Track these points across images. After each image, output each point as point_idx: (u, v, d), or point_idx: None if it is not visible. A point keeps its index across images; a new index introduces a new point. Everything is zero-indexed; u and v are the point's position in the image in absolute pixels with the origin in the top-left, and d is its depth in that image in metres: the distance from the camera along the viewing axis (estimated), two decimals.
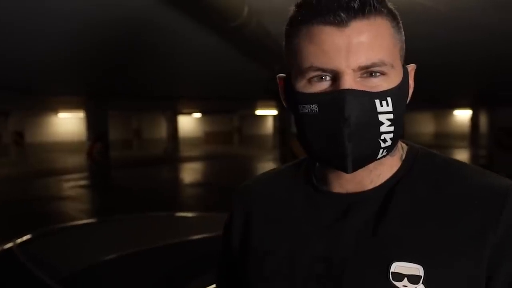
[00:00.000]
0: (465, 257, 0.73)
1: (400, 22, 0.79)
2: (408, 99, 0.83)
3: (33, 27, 4.83)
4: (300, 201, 0.89)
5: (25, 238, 2.41)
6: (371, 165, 0.79)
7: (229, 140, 33.57)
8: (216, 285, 1.10)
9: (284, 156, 13.85)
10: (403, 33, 0.80)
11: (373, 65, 0.72)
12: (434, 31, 4.97)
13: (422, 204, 0.79)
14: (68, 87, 11.90)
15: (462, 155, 20.13)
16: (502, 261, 0.72)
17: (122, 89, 12.50)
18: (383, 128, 0.74)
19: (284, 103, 0.87)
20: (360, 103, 0.72)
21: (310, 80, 0.75)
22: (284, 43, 0.81)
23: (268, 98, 15.35)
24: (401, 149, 0.87)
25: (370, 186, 0.83)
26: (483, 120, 22.68)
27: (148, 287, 1.78)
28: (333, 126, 0.73)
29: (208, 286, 1.68)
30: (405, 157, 0.86)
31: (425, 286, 0.72)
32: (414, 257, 0.74)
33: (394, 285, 0.74)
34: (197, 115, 32.08)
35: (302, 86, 0.76)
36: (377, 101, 0.73)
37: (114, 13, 4.13)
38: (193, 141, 31.40)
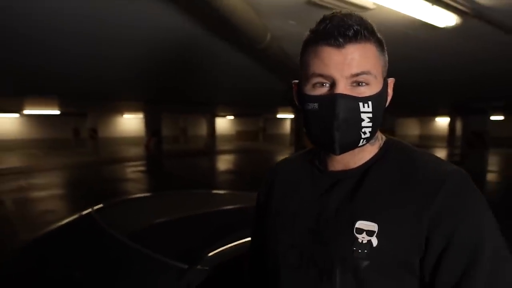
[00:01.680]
0: (409, 222, 0.80)
1: (385, 48, 0.88)
2: (387, 103, 0.90)
3: (108, 52, 4.96)
4: (305, 177, 0.99)
5: (100, 206, 2.49)
6: (355, 151, 0.89)
7: (255, 137, 33.40)
8: (251, 236, 1.19)
9: (298, 150, 13.75)
10: (386, 55, 0.88)
11: (362, 73, 0.81)
12: (419, 55, 4.93)
13: (387, 181, 0.86)
14: (132, 95, 12.04)
15: (441, 153, 19.71)
16: (436, 228, 0.78)
17: (173, 96, 12.59)
18: (363, 124, 0.83)
19: (296, 102, 0.95)
20: (347, 104, 0.82)
21: (314, 85, 0.85)
22: (299, 58, 0.90)
23: (286, 105, 15.30)
24: (381, 139, 0.94)
25: (353, 166, 0.91)
26: (458, 125, 22.22)
27: (189, 243, 1.84)
28: (327, 120, 0.83)
29: (238, 240, 1.76)
30: (382, 146, 0.93)
31: (377, 238, 0.80)
32: (372, 218, 0.82)
33: (356, 237, 0.82)
34: (231, 117, 32.03)
35: (308, 89, 0.86)
36: (360, 104, 0.82)
37: (169, 39, 4.20)
38: (227, 138, 31.35)
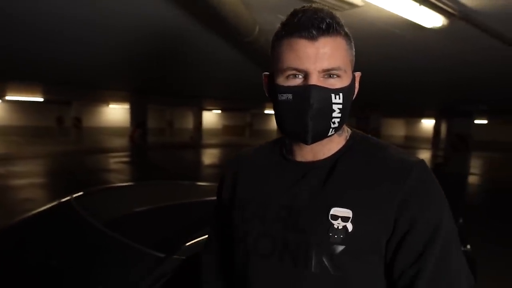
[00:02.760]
0: (380, 208, 0.85)
1: (352, 42, 0.90)
2: (354, 96, 0.93)
3: (95, 40, 4.89)
4: (273, 166, 1.01)
5: (79, 193, 2.47)
6: (323, 141, 0.91)
7: (242, 132, 33.41)
8: (210, 229, 1.22)
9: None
10: (353, 49, 0.91)
11: (332, 69, 0.84)
12: (405, 55, 4.98)
13: (357, 170, 0.90)
14: (118, 84, 11.93)
15: (425, 155, 19.99)
16: (403, 212, 0.83)
17: (160, 88, 12.51)
18: (334, 114, 0.86)
19: (266, 93, 0.97)
20: (321, 95, 0.85)
21: (287, 77, 0.86)
22: (270, 50, 0.92)
23: None
24: (347, 132, 0.98)
25: (322, 157, 0.94)
26: (443, 127, 22.53)
27: (168, 233, 1.85)
28: (301, 109, 0.85)
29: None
30: (349, 138, 0.97)
31: (352, 224, 0.85)
32: (346, 205, 0.86)
33: (332, 223, 0.86)
34: (217, 111, 31.98)
35: (282, 81, 0.87)
36: (332, 95, 0.85)
37: (156, 29, 4.17)
38: (213, 132, 31.33)
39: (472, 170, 14.05)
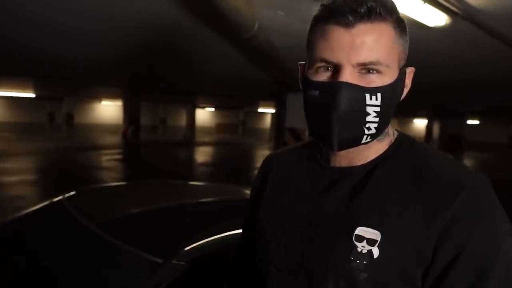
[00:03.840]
0: (417, 230, 0.70)
1: (406, 31, 0.75)
2: (402, 96, 0.79)
3: (87, 32, 4.80)
4: (303, 171, 0.89)
5: (71, 193, 2.39)
6: (361, 147, 0.77)
7: (235, 131, 33.41)
8: (242, 230, 1.09)
9: (278, 146, 13.86)
10: (407, 39, 0.76)
11: (370, 63, 0.70)
12: None
13: (394, 182, 0.75)
14: (111, 79, 11.82)
15: None
16: (446, 239, 0.68)
17: (153, 84, 12.42)
18: (369, 118, 0.72)
19: (300, 86, 0.83)
20: (351, 95, 0.70)
21: (317, 70, 0.74)
22: (307, 37, 0.79)
23: (268, 99, 15.29)
24: (392, 135, 0.83)
25: (358, 163, 0.80)
26: (435, 127, 22.68)
27: (164, 236, 1.77)
28: (327, 110, 0.71)
29: (217, 234, 1.69)
30: (392, 143, 0.82)
31: (379, 249, 0.70)
32: (375, 224, 0.72)
33: (355, 245, 0.72)
34: (211, 109, 31.91)
35: (311, 73, 0.76)
36: (367, 95, 0.70)
37: (151, 21, 4.09)
38: (206, 130, 31.26)
39: None
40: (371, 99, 0.71)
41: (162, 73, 9.02)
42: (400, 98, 0.78)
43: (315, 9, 0.77)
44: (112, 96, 20.80)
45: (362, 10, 0.68)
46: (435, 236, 0.69)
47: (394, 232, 0.71)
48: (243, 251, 1.05)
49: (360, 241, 0.72)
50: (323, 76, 0.73)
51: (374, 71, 0.71)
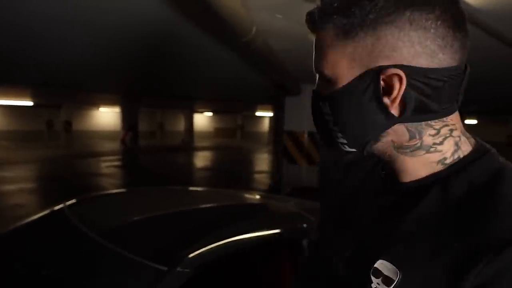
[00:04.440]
0: (443, 282, 0.56)
1: (359, 28, 0.60)
2: (388, 102, 0.61)
3: (84, 40, 4.79)
4: (365, 176, 0.81)
5: (72, 201, 2.38)
6: (399, 161, 0.67)
7: (233, 135, 33.41)
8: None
9: (277, 149, 13.85)
10: (365, 38, 0.60)
11: (318, 73, 0.68)
12: None
13: (437, 215, 0.61)
14: (108, 87, 11.80)
15: None
16: None
17: (151, 90, 12.41)
18: (330, 126, 0.67)
19: None
20: (313, 101, 0.71)
21: None
22: None
23: (266, 102, 15.28)
24: (465, 145, 0.66)
25: (406, 180, 0.68)
26: None
27: (166, 243, 1.76)
28: None
29: (220, 240, 1.67)
30: (459, 160, 0.65)
31: None
32: (398, 261, 0.61)
33: (370, 279, 0.63)
34: (209, 113, 31.90)
35: None
36: (320, 103, 0.68)
37: (147, 28, 4.08)
38: (204, 135, 31.23)
39: None
40: (324, 106, 0.67)
41: (160, 78, 9.01)
42: (369, 107, 0.62)
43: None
44: (110, 103, 20.77)
45: (309, 20, 0.67)
46: None
47: (416, 277, 0.59)
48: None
49: (377, 277, 0.62)
50: None
51: (326, 80, 0.67)
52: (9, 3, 3.35)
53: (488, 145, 0.68)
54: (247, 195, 3.58)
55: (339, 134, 0.66)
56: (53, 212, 2.23)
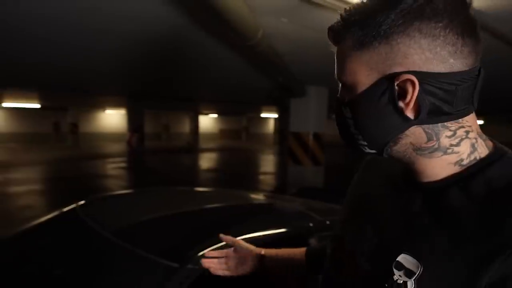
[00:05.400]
0: (461, 281, 0.60)
1: (373, 39, 0.66)
2: (402, 105, 0.66)
3: (89, 44, 4.84)
4: (386, 179, 0.85)
5: (83, 201, 2.42)
6: (418, 163, 0.71)
7: (238, 136, 33.42)
8: None
9: (282, 151, 13.88)
10: (379, 47, 0.66)
11: (340, 81, 0.74)
12: None
13: (458, 214, 0.65)
14: (114, 90, 11.88)
15: None
16: None
17: (156, 92, 12.46)
18: (352, 130, 0.73)
19: None
20: (335, 107, 0.76)
21: None
22: None
23: (270, 104, 15.30)
24: (483, 147, 0.70)
25: (425, 180, 0.72)
26: None
27: (176, 242, 1.80)
28: None
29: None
30: (476, 162, 0.69)
31: (415, 283, 0.64)
32: (419, 255, 0.65)
33: (393, 272, 0.67)
34: (214, 115, 31.95)
35: None
36: (342, 107, 0.73)
37: (154, 31, 4.13)
38: (210, 136, 31.27)
39: None
40: (345, 111, 0.73)
41: (165, 81, 9.07)
42: (386, 110, 0.67)
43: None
44: (115, 105, 20.87)
45: (332, 35, 0.73)
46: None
47: (437, 270, 0.63)
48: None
49: (399, 269, 0.67)
50: None
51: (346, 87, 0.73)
52: (19, 9, 3.41)
53: (506, 148, 0.71)
54: (254, 195, 3.62)
55: (360, 137, 0.71)
56: (65, 212, 2.27)
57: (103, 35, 4.36)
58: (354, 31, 0.68)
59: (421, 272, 0.64)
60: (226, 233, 1.77)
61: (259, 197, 3.43)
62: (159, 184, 8.88)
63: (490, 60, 4.94)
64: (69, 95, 13.88)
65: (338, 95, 0.75)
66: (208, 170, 13.64)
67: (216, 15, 2.73)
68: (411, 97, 0.64)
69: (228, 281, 1.68)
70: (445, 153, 0.69)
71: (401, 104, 0.66)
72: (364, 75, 0.68)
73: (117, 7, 3.33)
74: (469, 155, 0.68)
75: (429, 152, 0.69)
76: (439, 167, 0.70)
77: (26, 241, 2.13)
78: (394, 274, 0.66)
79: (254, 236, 1.79)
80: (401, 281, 0.65)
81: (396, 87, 0.65)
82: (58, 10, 3.44)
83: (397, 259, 0.67)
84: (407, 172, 0.75)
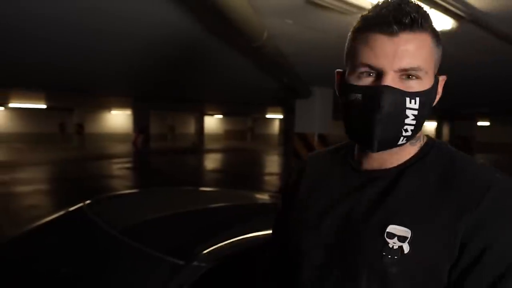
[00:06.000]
0: (445, 229, 0.74)
1: (440, 41, 0.81)
2: (435, 102, 0.84)
3: (96, 46, 4.89)
4: (336, 173, 0.94)
5: (90, 200, 2.45)
6: (394, 150, 0.82)
7: (244, 137, 33.41)
8: (272, 228, 1.14)
9: (287, 151, 13.89)
10: (441, 49, 0.81)
11: (412, 69, 0.76)
12: None
13: (424, 184, 0.80)
14: (120, 90, 11.93)
15: None
16: (473, 237, 0.72)
17: (162, 93, 12.51)
18: (407, 121, 0.77)
19: (337, 93, 0.88)
20: (393, 98, 0.75)
21: (359, 75, 0.79)
22: (346, 45, 0.85)
23: (276, 105, 15.32)
24: (422, 140, 0.87)
25: (389, 166, 0.85)
26: (445, 130, 22.56)
27: (182, 240, 1.83)
28: (369, 112, 0.77)
29: (234, 237, 1.74)
30: (423, 147, 0.86)
31: (409, 245, 0.75)
32: (405, 223, 0.77)
33: (387, 241, 0.77)
34: (219, 116, 31.99)
35: (353, 79, 0.81)
36: (407, 99, 0.76)
37: (161, 34, 4.16)
38: (215, 137, 31.30)
39: None
40: (410, 102, 0.76)
41: (171, 82, 9.11)
42: (433, 104, 0.83)
43: (356, 21, 0.83)
44: (121, 106, 20.97)
45: (406, 21, 0.74)
46: (462, 233, 0.73)
47: (423, 230, 0.76)
48: (274, 250, 1.09)
49: (392, 238, 0.77)
50: (366, 81, 0.79)
51: (414, 77, 0.77)
52: (27, 10, 3.46)
53: (433, 138, 0.90)
54: (258, 195, 3.64)
55: (410, 128, 0.78)
56: (72, 211, 2.30)
57: (109, 37, 4.40)
58: (432, 25, 0.78)
59: (412, 235, 0.75)
60: (231, 232, 1.81)
61: (263, 197, 3.45)
62: (165, 185, 8.92)
63: (494, 61, 4.95)
64: (75, 95, 13.96)
65: (394, 86, 0.76)
66: (213, 171, 13.66)
67: (221, 16, 2.75)
68: (439, 96, 0.84)
69: (232, 279, 1.72)
70: (417, 140, 0.86)
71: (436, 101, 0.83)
72: (432, 69, 0.80)
73: (124, 9, 3.37)
74: (423, 141, 0.88)
75: (414, 141, 0.85)
76: (411, 152, 0.86)
77: (33, 240, 2.16)
78: (388, 243, 0.77)
79: (258, 235, 1.82)
80: (397, 246, 0.76)
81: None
82: (65, 11, 3.48)
83: (387, 230, 0.78)
84: (359, 163, 0.89)
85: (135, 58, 5.74)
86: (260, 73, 6.18)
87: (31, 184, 9.48)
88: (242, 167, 14.77)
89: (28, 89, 11.61)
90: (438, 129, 25.47)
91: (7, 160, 14.84)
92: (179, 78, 8.12)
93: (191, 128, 28.54)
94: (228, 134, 33.42)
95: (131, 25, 3.87)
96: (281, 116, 23.27)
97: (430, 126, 30.10)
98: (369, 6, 2.69)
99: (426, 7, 2.42)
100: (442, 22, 2.92)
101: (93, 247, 1.89)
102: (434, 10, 2.71)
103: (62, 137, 24.51)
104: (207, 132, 28.49)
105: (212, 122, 32.05)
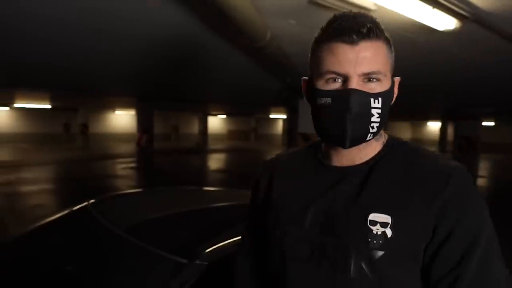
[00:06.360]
0: (420, 212, 0.84)
1: (392, 47, 0.91)
2: (392, 101, 0.93)
3: (101, 47, 4.91)
4: (309, 171, 1.01)
5: (94, 200, 2.46)
6: (361, 146, 0.91)
7: (247, 137, 33.44)
8: (243, 230, 1.19)
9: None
10: (393, 54, 0.91)
11: (372, 73, 0.85)
12: (415, 58, 4.96)
13: (395, 175, 0.90)
14: (124, 91, 11.97)
15: None
16: (443, 218, 0.83)
17: (165, 93, 12.53)
18: (373, 119, 0.86)
19: (305, 98, 0.97)
20: (360, 99, 0.84)
21: (327, 81, 0.87)
22: (309, 55, 0.93)
23: (279, 105, 15.32)
24: (384, 137, 0.97)
25: (359, 162, 0.94)
26: (450, 130, 22.49)
27: (185, 239, 1.84)
28: (340, 113, 0.85)
29: (236, 236, 1.75)
30: (386, 143, 0.96)
31: (391, 230, 0.84)
32: (385, 210, 0.85)
33: (370, 229, 0.85)
34: (223, 116, 32.00)
35: (321, 84, 0.89)
36: (371, 99, 0.85)
37: (165, 34, 4.17)
38: (218, 137, 31.34)
39: (480, 172, 13.95)
40: (374, 102, 0.86)
41: (175, 83, 9.13)
42: (392, 102, 0.92)
43: (317, 32, 0.91)
44: (125, 106, 21.02)
45: (364, 31, 0.83)
46: (434, 216, 0.83)
47: (401, 215, 0.85)
48: (250, 251, 1.14)
49: (374, 225, 0.85)
50: (333, 86, 0.87)
51: (374, 80, 0.86)
52: (32, 12, 3.48)
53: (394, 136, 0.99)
54: None
55: (376, 125, 0.87)
56: (77, 210, 2.31)
57: (109, 37, 4.42)
58: (384, 33, 0.87)
59: (392, 221, 0.84)
60: (233, 231, 1.81)
61: None
62: (168, 184, 8.94)
63: (498, 61, 4.94)
64: (80, 96, 14.01)
65: (359, 89, 0.84)
66: (217, 171, 13.67)
67: (225, 17, 2.77)
68: (396, 96, 0.93)
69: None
70: (380, 136, 0.95)
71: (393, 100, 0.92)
72: (389, 72, 0.89)
73: (124, 9, 3.38)
74: (385, 138, 0.97)
75: (378, 137, 0.94)
76: (376, 148, 0.94)
77: (39, 239, 2.17)
78: (372, 230, 0.84)
79: None
80: (380, 232, 0.84)
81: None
82: (65, 11, 3.50)
83: (369, 219, 0.85)
84: (330, 160, 0.97)
85: (135, 58, 5.76)
86: (263, 73, 6.19)
87: (36, 183, 9.52)
88: (245, 167, 14.77)
89: (32, 90, 11.66)
90: (443, 129, 25.38)
91: (12, 160, 14.91)
92: (181, 79, 8.13)
93: (195, 128, 28.58)
94: (231, 134, 33.44)
95: (131, 25, 3.88)
96: (284, 116, 23.29)
97: (434, 126, 30.09)
98: (371, 6, 2.70)
99: (428, 7, 2.42)
100: (445, 22, 2.92)
101: (97, 245, 1.90)
102: (437, 10, 2.71)
103: (67, 137, 24.61)
104: (211, 132, 28.50)
105: (216, 122, 32.07)
